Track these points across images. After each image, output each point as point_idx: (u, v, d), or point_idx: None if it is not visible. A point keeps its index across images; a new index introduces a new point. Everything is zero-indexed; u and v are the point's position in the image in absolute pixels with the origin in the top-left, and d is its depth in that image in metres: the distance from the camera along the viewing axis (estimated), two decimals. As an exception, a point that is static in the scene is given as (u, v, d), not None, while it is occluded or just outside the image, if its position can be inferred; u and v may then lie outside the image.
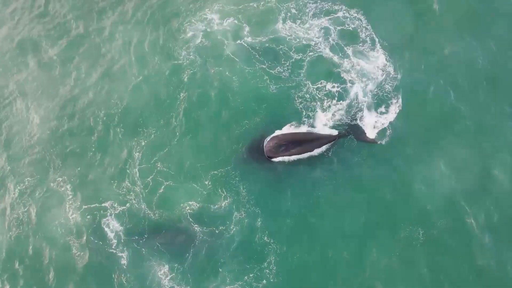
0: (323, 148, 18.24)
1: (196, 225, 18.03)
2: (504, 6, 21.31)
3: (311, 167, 18.54)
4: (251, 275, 17.09)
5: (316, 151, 18.22)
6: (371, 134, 18.74)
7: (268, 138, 18.41)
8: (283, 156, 18.11)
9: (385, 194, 17.92)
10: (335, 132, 18.30)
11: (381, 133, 18.86)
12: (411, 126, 18.99)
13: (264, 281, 16.99)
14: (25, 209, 19.11)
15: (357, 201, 17.90)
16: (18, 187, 19.49)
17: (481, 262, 16.59)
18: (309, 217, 17.89)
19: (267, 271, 17.10)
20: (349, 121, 19.05)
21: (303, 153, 18.10)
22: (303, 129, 18.69)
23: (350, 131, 18.50)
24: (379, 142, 18.36)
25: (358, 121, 19.01)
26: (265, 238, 17.59)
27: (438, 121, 18.99)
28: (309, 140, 18.13)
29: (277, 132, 18.65)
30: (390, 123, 18.99)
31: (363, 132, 18.51)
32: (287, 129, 18.77)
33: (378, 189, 18.03)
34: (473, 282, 16.51)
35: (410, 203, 17.76)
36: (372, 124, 18.90)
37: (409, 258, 16.95)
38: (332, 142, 18.11)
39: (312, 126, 19.12)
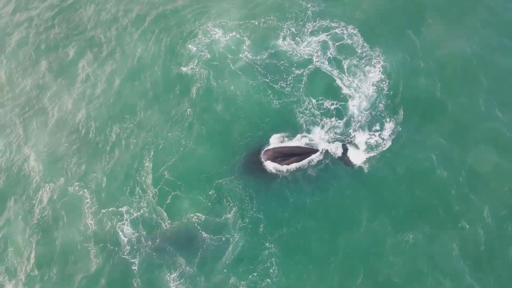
0: (308, 159, 19.54)
1: (203, 232, 18.89)
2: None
3: (308, 178, 19.57)
4: (255, 274, 18.07)
5: (302, 163, 19.53)
6: (355, 156, 19.60)
7: (264, 150, 19.74)
8: (276, 163, 19.48)
9: (367, 206, 18.96)
10: (318, 147, 19.61)
11: (369, 152, 19.77)
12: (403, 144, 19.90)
13: (268, 280, 17.98)
14: (46, 214, 19.99)
15: (349, 208, 18.94)
16: (39, 193, 20.40)
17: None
18: (306, 222, 18.86)
19: (271, 270, 18.04)
20: (342, 138, 19.97)
21: (293, 163, 19.44)
22: (292, 143, 19.88)
23: (333, 149, 19.73)
24: (355, 167, 19.37)
25: (347, 139, 19.93)
26: (267, 243, 18.55)
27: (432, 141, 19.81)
28: (298, 153, 19.45)
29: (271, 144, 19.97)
30: (381, 143, 19.85)
31: (345, 154, 19.66)
32: (275, 139, 20.04)
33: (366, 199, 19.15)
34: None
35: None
36: (363, 142, 19.82)
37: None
38: (316, 154, 19.47)
39: (310, 139, 20.16)
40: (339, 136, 20.16)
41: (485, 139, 19.63)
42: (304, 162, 19.46)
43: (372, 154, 19.64)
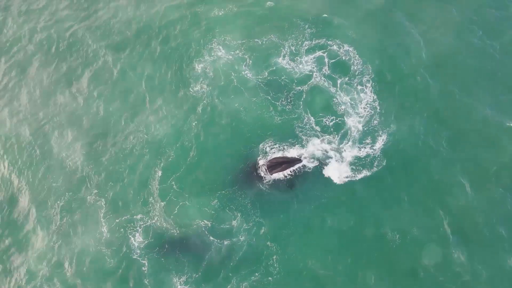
0: (293, 168, 21.34)
1: (210, 237, 20.29)
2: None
3: (306, 185, 21.21)
4: (257, 274, 19.48)
5: (288, 171, 21.32)
6: (337, 169, 21.18)
7: (261, 162, 21.54)
8: (272, 172, 21.24)
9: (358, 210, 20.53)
10: (302, 157, 21.38)
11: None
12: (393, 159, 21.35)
13: (270, 278, 19.43)
14: (65, 221, 21.37)
15: (342, 213, 20.53)
16: (58, 202, 21.74)
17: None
18: (303, 223, 20.42)
19: (271, 268, 19.46)
20: (333, 152, 21.57)
21: (284, 170, 21.24)
22: (279, 153, 21.65)
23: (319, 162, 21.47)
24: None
25: (334, 153, 21.57)
26: (268, 243, 20.02)
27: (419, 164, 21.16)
28: (287, 162, 21.18)
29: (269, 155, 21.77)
30: (371, 158, 21.28)
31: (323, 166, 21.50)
32: (271, 151, 21.83)
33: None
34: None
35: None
36: (352, 155, 21.37)
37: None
38: (300, 163, 21.26)
39: (307, 151, 21.74)
40: (330, 149, 21.73)
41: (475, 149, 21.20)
42: (288, 171, 21.25)
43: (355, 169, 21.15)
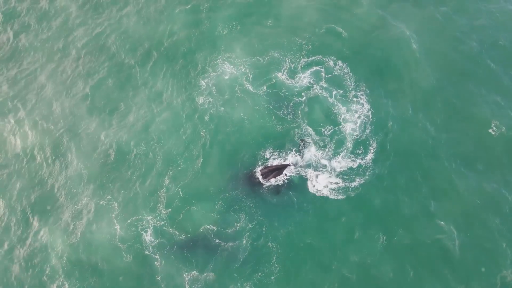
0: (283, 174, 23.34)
1: (216, 239, 21.94)
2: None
3: (304, 190, 23.03)
4: (259, 274, 21.09)
5: (284, 175, 23.24)
6: (324, 179, 23.01)
7: (258, 169, 23.44)
8: (268, 178, 23.15)
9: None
10: (287, 163, 23.41)
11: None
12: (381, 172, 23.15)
13: (272, 278, 21.03)
14: (82, 222, 22.88)
15: (336, 213, 22.33)
16: (75, 206, 23.30)
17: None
18: (301, 225, 22.14)
19: (273, 267, 21.10)
20: (326, 160, 23.48)
21: (277, 176, 23.17)
22: (276, 162, 23.68)
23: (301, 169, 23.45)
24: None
25: (328, 161, 23.45)
26: (269, 243, 21.67)
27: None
28: (277, 169, 23.10)
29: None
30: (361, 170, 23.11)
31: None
32: (264, 153, 23.86)
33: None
34: None
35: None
36: (337, 166, 23.25)
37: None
38: (289, 168, 23.26)
39: (302, 158, 23.70)
40: (324, 157, 23.59)
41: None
42: (284, 175, 23.26)
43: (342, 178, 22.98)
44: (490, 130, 23.58)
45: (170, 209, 22.83)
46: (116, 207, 23.14)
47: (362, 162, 23.21)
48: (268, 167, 23.17)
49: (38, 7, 29.23)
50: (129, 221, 22.69)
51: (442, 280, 20.48)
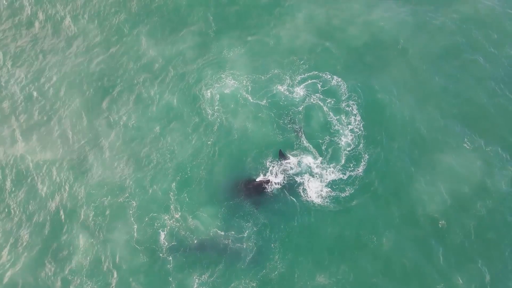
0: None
1: (224, 241, 23.52)
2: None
3: (302, 196, 24.88)
4: (263, 272, 22.89)
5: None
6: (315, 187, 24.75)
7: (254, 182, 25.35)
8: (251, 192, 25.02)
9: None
10: (268, 178, 25.31)
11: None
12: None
13: (276, 272, 22.78)
14: (100, 220, 24.38)
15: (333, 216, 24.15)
16: (93, 204, 24.85)
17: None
18: (300, 226, 23.95)
19: (275, 268, 22.81)
20: (320, 169, 25.41)
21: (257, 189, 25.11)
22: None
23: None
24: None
25: (321, 170, 25.38)
26: (272, 244, 23.44)
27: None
28: (258, 185, 25.13)
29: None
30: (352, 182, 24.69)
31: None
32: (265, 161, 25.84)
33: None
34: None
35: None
36: (336, 174, 25.11)
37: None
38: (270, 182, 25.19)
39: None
40: (319, 166, 25.58)
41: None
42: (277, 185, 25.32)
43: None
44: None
45: (180, 214, 24.57)
46: (132, 207, 24.95)
47: (353, 173, 25.10)
48: (249, 183, 25.08)
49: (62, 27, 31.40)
50: (144, 222, 24.44)
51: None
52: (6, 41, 31.15)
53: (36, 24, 31.74)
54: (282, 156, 25.73)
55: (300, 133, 26.23)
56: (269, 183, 25.18)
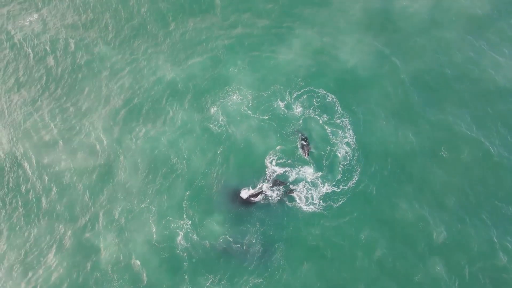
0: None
1: (233, 245, 25.26)
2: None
3: (300, 204, 26.71)
4: (269, 270, 24.50)
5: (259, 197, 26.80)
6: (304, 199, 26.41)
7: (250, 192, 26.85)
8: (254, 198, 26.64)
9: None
10: (264, 188, 26.85)
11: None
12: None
13: (280, 270, 24.59)
14: (122, 223, 26.12)
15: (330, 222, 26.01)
16: (115, 210, 26.48)
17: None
18: (299, 227, 25.75)
19: (278, 268, 24.52)
20: (318, 179, 27.49)
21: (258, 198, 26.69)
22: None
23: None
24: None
25: (318, 179, 27.24)
26: (275, 245, 24.99)
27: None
28: (254, 195, 26.63)
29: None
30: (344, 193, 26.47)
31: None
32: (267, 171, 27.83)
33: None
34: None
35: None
36: (330, 185, 26.84)
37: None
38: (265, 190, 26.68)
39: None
40: (316, 176, 27.72)
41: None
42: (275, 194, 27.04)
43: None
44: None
45: (193, 219, 26.33)
46: (153, 211, 26.84)
47: (345, 187, 26.71)
48: (250, 195, 26.56)
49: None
50: (160, 227, 26.37)
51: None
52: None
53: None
54: (275, 183, 26.88)
55: (306, 143, 27.79)
56: (272, 192, 26.90)
